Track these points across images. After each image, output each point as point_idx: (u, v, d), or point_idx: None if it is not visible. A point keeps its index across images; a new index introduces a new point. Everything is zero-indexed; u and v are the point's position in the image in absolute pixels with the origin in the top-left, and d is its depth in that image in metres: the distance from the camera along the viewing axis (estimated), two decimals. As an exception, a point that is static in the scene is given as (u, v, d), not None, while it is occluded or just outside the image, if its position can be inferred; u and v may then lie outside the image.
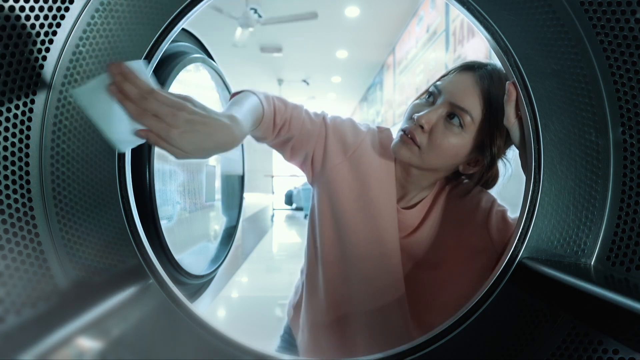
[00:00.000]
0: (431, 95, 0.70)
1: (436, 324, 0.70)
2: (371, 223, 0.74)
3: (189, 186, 1.06)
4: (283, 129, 0.71)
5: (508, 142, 0.69)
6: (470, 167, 0.71)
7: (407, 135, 0.67)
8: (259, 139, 0.73)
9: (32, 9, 0.49)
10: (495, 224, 0.70)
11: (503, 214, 0.71)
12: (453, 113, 0.66)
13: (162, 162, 0.89)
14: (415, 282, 0.76)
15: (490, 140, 0.66)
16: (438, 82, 0.70)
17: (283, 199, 10.04)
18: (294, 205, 9.61)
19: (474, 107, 0.65)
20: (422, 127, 0.66)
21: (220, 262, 1.17)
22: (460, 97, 0.65)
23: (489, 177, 0.76)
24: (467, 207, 0.74)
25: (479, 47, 3.53)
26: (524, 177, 0.61)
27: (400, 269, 0.75)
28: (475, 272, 0.70)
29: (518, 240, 0.57)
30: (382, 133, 0.78)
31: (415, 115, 0.67)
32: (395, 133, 0.73)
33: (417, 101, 0.72)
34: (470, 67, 0.69)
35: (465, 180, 0.78)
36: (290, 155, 0.77)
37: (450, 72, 0.71)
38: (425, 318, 0.75)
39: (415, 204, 0.76)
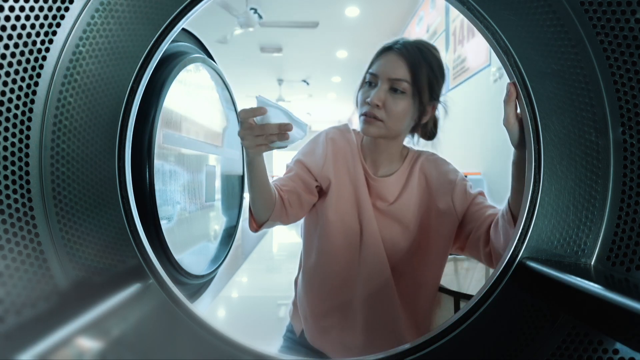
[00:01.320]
0: (371, 82, 0.85)
1: (420, 296, 0.89)
2: (352, 198, 0.89)
3: (189, 186, 1.06)
4: (291, 181, 0.90)
5: (437, 89, 0.86)
6: (424, 117, 0.88)
7: (369, 117, 0.83)
8: (294, 215, 0.90)
9: (32, 9, 0.49)
10: (458, 193, 0.87)
11: (464, 186, 0.88)
12: (393, 86, 0.82)
13: (162, 162, 0.89)
14: (400, 251, 0.90)
15: (420, 92, 0.83)
16: (371, 70, 0.86)
17: (283, 199, 10.02)
18: (294, 205, 9.59)
19: (405, 74, 0.82)
20: (377, 106, 0.82)
21: (220, 262, 1.17)
22: (393, 72, 0.82)
23: (430, 128, 0.93)
24: (439, 177, 0.91)
25: (479, 47, 3.53)
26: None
27: (380, 244, 0.88)
28: (445, 236, 0.87)
29: (518, 240, 0.57)
30: (343, 126, 0.97)
31: (368, 99, 0.83)
32: (350, 125, 0.96)
33: (362, 90, 0.87)
34: (388, 48, 0.86)
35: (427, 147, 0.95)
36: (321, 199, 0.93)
37: (375, 59, 0.87)
38: (409, 290, 0.89)
39: (391, 174, 0.91)
